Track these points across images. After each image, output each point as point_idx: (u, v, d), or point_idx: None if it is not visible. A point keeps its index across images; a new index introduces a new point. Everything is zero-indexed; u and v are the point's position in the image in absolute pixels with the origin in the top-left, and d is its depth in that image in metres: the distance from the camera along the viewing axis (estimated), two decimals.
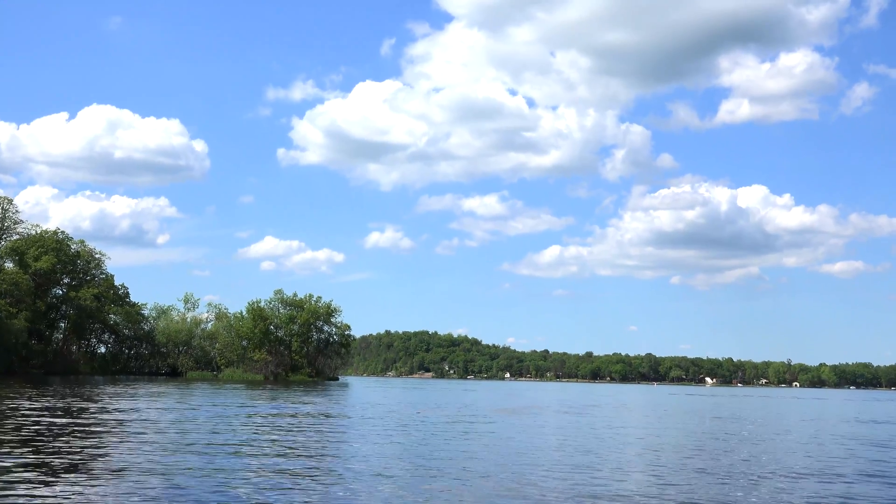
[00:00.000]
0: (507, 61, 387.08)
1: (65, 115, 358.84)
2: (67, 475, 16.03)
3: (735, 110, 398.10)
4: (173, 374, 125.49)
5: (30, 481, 15.13)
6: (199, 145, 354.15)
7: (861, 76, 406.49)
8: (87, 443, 21.81)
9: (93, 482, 15.33)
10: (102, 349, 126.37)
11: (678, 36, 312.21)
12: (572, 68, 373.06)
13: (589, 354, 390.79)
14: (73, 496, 13.90)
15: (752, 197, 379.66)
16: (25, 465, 17.09)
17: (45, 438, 22.44)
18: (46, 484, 14.98)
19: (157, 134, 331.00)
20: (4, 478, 15.44)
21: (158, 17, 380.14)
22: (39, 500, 13.46)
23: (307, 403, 48.67)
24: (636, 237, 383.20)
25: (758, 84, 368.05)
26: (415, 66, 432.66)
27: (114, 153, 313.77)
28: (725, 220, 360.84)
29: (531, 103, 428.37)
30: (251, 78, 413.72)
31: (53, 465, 17.28)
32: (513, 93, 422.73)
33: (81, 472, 16.41)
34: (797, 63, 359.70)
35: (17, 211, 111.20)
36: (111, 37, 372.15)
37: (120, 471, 16.72)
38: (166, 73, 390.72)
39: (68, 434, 23.85)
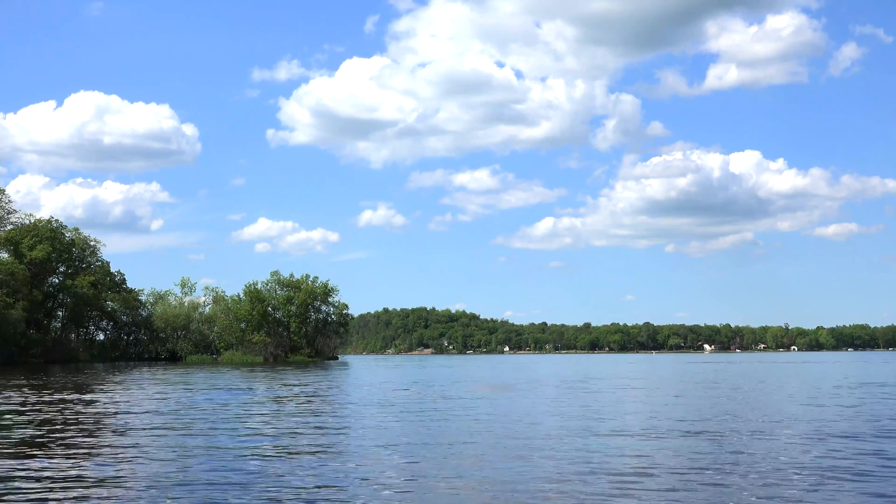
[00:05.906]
0: (493, 33, 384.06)
1: (52, 103, 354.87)
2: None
3: (723, 75, 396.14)
4: (172, 358, 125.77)
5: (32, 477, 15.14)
6: (189, 129, 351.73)
7: (848, 37, 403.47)
8: (91, 428, 21.85)
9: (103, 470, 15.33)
10: (101, 336, 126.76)
11: (664, 2, 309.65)
12: (559, 39, 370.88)
13: (587, 325, 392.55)
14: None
15: (745, 162, 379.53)
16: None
17: (41, 430, 22.45)
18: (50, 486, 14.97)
19: (147, 119, 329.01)
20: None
21: (138, 0, 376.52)
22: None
23: (308, 385, 48.74)
24: (629, 206, 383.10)
25: (745, 48, 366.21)
26: (400, 42, 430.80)
27: (103, 139, 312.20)
28: (718, 186, 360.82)
29: (519, 75, 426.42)
30: (236, 59, 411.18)
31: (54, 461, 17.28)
32: (500, 65, 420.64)
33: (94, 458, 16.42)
34: (784, 26, 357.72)
35: (9, 201, 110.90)
36: (93, 22, 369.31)
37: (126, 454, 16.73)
38: (151, 58, 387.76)
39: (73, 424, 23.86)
